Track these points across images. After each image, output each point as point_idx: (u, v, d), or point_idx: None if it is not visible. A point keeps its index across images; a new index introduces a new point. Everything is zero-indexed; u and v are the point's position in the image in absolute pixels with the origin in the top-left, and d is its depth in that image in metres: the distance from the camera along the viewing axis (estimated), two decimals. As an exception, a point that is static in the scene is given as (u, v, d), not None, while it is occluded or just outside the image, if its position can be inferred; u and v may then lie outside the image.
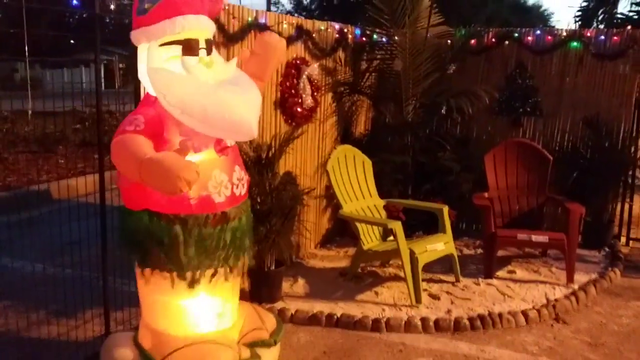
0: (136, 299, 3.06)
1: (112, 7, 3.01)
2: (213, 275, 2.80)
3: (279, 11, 28.78)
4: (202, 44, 2.59)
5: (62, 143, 9.12)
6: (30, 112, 12.18)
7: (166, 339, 2.87)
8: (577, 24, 8.21)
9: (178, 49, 2.54)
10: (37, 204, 6.22)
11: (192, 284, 2.76)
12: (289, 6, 29.04)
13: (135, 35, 2.62)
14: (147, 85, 2.64)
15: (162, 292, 2.82)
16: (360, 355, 3.47)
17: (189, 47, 2.55)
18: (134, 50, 2.71)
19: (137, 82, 2.83)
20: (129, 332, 3.14)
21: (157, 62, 2.56)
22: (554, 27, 5.77)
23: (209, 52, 2.62)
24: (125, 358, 2.91)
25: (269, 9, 25.09)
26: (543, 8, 36.90)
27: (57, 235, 3.41)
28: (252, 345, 3.01)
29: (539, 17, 33.61)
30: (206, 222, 2.71)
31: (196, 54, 2.56)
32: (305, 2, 28.10)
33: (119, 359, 2.91)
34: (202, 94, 2.49)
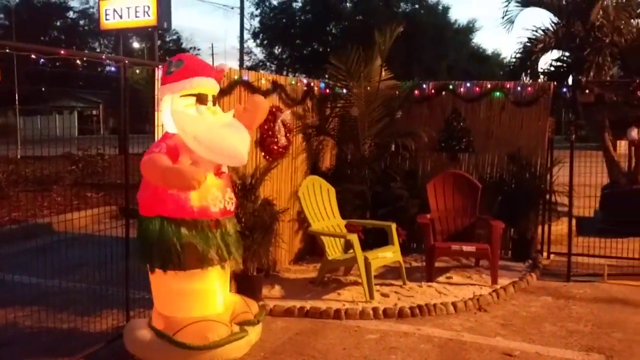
0: (146, 303, 3.94)
1: (137, 70, 4.08)
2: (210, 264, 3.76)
3: (252, 60, 30.15)
4: (210, 98, 3.70)
5: (58, 183, 10.03)
6: (19, 156, 13.05)
7: (175, 320, 3.80)
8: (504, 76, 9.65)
9: (193, 99, 3.65)
10: (41, 234, 7.08)
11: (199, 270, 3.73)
12: (260, 56, 30.54)
13: (162, 90, 3.72)
14: (169, 124, 3.69)
15: (171, 284, 3.75)
16: (324, 335, 4.48)
17: (201, 99, 3.66)
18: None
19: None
20: (143, 319, 4.06)
21: (178, 107, 3.66)
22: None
23: (214, 104, 3.73)
24: (145, 337, 3.78)
25: (241, 60, 26.48)
26: (502, 56, 38.99)
27: (64, 259, 4.33)
28: (241, 324, 3.95)
29: (498, 65, 35.36)
30: (206, 225, 3.72)
31: (205, 104, 3.67)
32: (276, 52, 29.64)
33: (140, 337, 3.79)
34: (209, 128, 3.59)
